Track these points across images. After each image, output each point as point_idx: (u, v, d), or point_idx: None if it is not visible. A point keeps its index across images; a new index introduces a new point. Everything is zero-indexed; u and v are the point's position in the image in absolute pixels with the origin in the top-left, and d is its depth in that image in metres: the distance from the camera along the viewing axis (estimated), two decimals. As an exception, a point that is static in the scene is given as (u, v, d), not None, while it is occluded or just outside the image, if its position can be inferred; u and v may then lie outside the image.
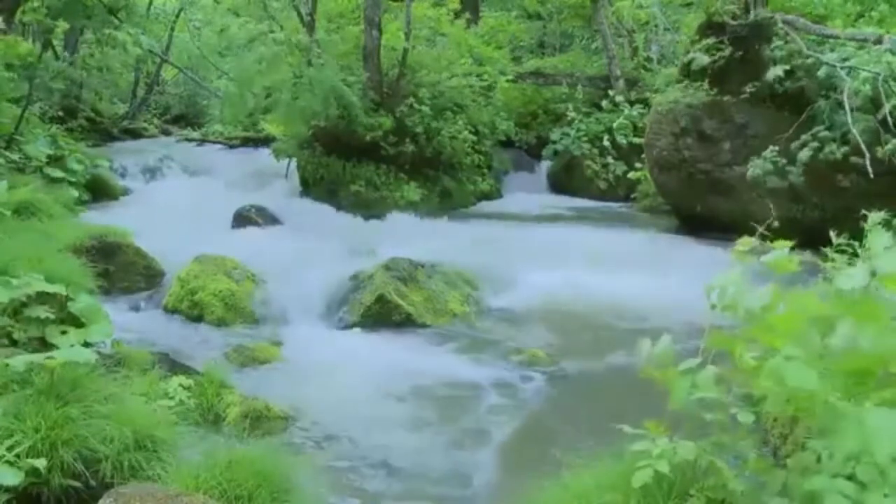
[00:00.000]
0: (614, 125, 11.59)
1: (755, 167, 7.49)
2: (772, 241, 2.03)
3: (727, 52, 8.22)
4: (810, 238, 3.73)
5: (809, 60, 7.57)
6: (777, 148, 7.51)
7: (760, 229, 2.08)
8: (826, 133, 7.30)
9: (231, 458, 2.67)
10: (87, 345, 3.93)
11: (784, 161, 7.47)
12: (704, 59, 8.16)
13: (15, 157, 8.03)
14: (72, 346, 3.59)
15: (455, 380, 4.60)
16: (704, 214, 8.16)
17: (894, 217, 2.43)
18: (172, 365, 4.34)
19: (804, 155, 7.24)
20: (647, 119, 9.69)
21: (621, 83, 12.50)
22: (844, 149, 7.14)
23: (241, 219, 8.65)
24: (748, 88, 7.89)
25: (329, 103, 9.49)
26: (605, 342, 5.28)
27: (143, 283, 6.07)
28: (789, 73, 7.80)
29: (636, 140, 10.95)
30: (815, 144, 7.26)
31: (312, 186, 10.29)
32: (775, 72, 7.40)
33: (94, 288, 4.63)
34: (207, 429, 3.62)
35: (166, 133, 17.16)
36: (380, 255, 6.36)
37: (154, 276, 6.16)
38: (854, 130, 6.91)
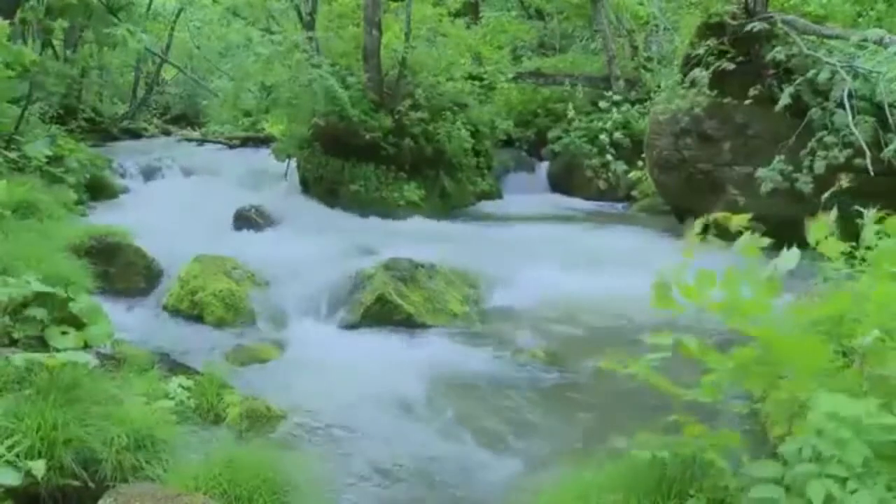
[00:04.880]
0: (608, 124, 11.60)
1: (764, 178, 7.47)
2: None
3: (727, 53, 8.20)
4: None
5: (809, 61, 7.56)
6: (782, 156, 7.50)
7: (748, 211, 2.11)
8: (830, 138, 7.28)
9: (231, 458, 2.68)
10: (86, 345, 3.93)
11: (790, 168, 7.46)
12: (704, 77, 8.14)
13: (14, 156, 8.02)
14: (72, 349, 3.59)
15: (455, 380, 4.60)
16: (703, 214, 8.15)
17: (889, 215, 2.46)
18: (172, 365, 4.35)
19: (819, 165, 7.22)
20: (647, 119, 9.69)
21: (621, 83, 12.50)
22: (847, 151, 7.12)
23: (241, 219, 8.65)
24: (751, 93, 7.87)
25: (318, 101, 9.49)
26: (604, 342, 5.28)
27: (143, 283, 6.06)
28: (789, 73, 7.79)
29: (636, 139, 10.94)
30: (824, 152, 7.24)
31: (312, 186, 10.29)
32: (785, 99, 7.37)
33: (94, 288, 4.64)
34: (207, 429, 3.62)
35: (166, 133, 17.14)
36: (380, 255, 6.36)
37: (154, 276, 6.15)
38: (856, 132, 6.90)
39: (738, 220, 2.11)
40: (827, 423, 1.74)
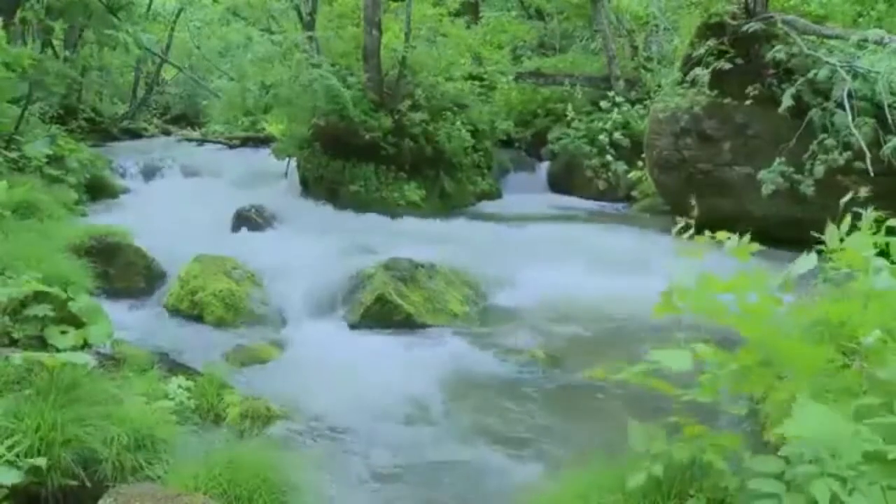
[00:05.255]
0: (608, 125, 11.61)
1: (766, 181, 7.47)
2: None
3: (727, 53, 8.20)
4: (811, 238, 3.72)
5: (809, 61, 7.57)
6: (783, 158, 7.51)
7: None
8: (831, 141, 7.29)
9: (231, 458, 2.68)
10: (86, 345, 3.93)
11: (791, 169, 7.46)
12: (705, 76, 8.14)
13: (14, 156, 8.02)
14: (72, 348, 3.59)
15: (454, 380, 4.60)
16: (704, 215, 8.14)
17: (888, 216, 2.47)
18: (172, 365, 4.34)
19: (818, 171, 7.23)
20: (647, 120, 9.69)
21: (621, 83, 12.50)
22: (848, 154, 7.12)
23: (241, 219, 8.64)
24: (750, 92, 7.87)
25: (320, 100, 9.50)
26: (604, 342, 5.29)
27: (143, 283, 6.06)
28: (789, 73, 7.79)
29: (636, 139, 10.94)
30: (824, 156, 7.24)
31: (312, 186, 10.30)
32: (787, 101, 7.37)
33: (94, 288, 4.64)
34: (207, 429, 3.62)
35: (166, 133, 17.15)
36: (380, 255, 6.36)
37: (154, 276, 6.15)
38: (856, 133, 6.90)
39: (721, 236, 2.13)
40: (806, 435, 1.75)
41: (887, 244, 2.33)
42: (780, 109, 7.45)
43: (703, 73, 8.10)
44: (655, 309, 2.14)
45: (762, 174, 7.59)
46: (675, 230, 2.24)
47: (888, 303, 2.06)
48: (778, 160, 7.53)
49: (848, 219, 2.29)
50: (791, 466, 1.85)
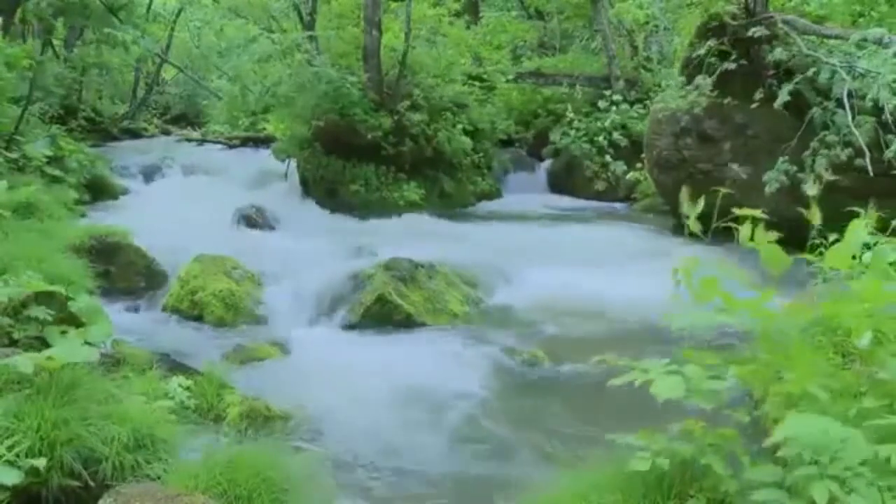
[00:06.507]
0: (606, 124, 11.62)
1: (770, 181, 7.46)
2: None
3: (727, 54, 8.19)
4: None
5: (809, 61, 7.56)
6: (786, 157, 7.50)
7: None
8: (832, 137, 7.28)
9: (231, 458, 2.67)
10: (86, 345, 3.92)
11: (795, 168, 7.45)
12: (707, 85, 8.12)
13: (14, 156, 8.02)
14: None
15: (454, 379, 4.59)
16: (704, 214, 8.13)
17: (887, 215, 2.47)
18: (172, 365, 4.34)
19: (819, 163, 7.21)
20: (647, 120, 9.69)
21: (621, 83, 12.50)
22: (848, 151, 7.12)
23: (241, 219, 8.66)
24: (756, 96, 7.85)
25: (323, 97, 9.52)
26: (605, 342, 5.27)
27: (144, 283, 6.06)
28: (789, 74, 7.78)
29: (636, 139, 10.94)
30: (826, 152, 7.23)
31: (312, 186, 10.30)
32: (783, 97, 7.35)
33: (94, 288, 4.64)
34: (207, 429, 3.62)
35: (166, 133, 17.16)
36: (380, 255, 6.36)
37: (154, 276, 6.15)
38: (856, 132, 6.90)
39: (746, 213, 2.12)
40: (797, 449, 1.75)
41: (869, 244, 2.34)
42: (776, 104, 7.42)
43: (704, 84, 8.08)
44: (666, 315, 2.13)
45: (767, 175, 7.58)
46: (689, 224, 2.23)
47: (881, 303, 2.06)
48: (781, 159, 7.52)
49: (817, 213, 2.29)
50: (790, 469, 1.86)
